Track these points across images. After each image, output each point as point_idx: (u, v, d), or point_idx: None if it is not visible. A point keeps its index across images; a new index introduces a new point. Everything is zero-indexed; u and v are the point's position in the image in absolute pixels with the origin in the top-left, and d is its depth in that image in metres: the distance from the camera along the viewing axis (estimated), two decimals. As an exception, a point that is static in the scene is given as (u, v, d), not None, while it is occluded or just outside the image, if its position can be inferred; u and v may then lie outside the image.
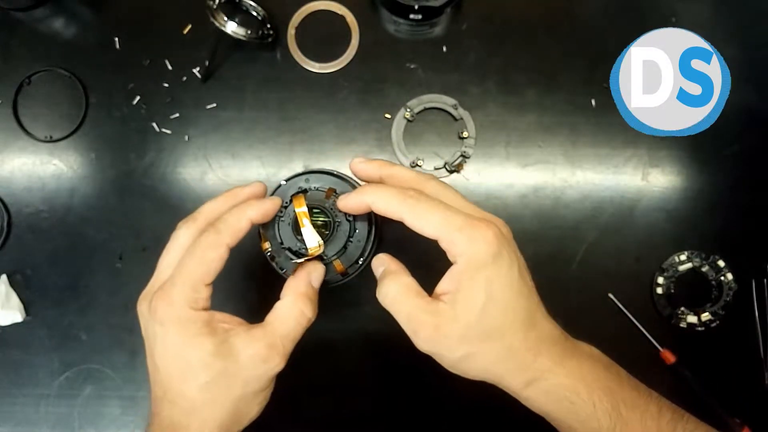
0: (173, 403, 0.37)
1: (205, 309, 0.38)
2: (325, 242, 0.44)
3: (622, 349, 0.54)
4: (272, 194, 0.46)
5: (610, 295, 0.54)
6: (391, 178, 0.41)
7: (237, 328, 0.38)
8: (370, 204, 0.39)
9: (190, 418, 0.37)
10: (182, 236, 0.40)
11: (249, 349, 0.37)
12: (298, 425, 0.54)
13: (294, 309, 0.39)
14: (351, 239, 0.46)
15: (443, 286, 0.37)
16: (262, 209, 0.40)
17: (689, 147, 0.56)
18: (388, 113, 0.56)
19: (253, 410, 0.39)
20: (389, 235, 0.55)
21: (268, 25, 0.54)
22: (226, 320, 0.39)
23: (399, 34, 0.57)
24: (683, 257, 0.54)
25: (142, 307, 0.39)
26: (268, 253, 0.45)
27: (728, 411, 0.51)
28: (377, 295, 0.40)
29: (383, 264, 0.41)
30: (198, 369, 0.36)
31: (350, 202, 0.40)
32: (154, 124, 0.56)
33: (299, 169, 0.54)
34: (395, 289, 0.39)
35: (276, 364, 0.38)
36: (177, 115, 0.56)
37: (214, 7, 0.51)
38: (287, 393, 0.54)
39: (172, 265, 0.39)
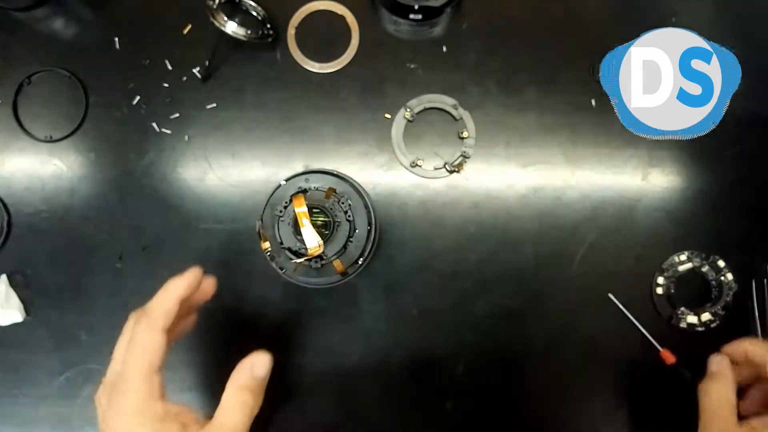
0: None
1: (162, 397, 0.38)
2: (325, 242, 0.44)
3: (622, 349, 0.54)
4: (272, 194, 0.46)
5: (610, 295, 0.54)
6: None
7: (193, 425, 0.38)
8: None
9: None
10: (129, 327, 0.41)
11: None
12: (297, 426, 0.54)
13: (235, 400, 0.39)
14: (351, 239, 0.46)
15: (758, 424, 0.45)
16: (185, 283, 0.41)
17: (689, 147, 0.56)
18: (388, 113, 0.56)
19: None
20: (389, 236, 0.55)
21: (268, 25, 0.54)
22: (183, 412, 0.39)
23: (399, 34, 0.57)
24: (683, 257, 0.54)
25: (102, 399, 0.40)
26: (268, 253, 0.45)
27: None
28: (703, 382, 0.47)
29: (724, 368, 0.47)
30: None
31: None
32: (154, 124, 0.56)
33: (299, 169, 0.54)
34: (722, 394, 0.45)
35: None
36: (177, 115, 0.56)
37: (214, 7, 0.51)
38: (287, 392, 0.54)
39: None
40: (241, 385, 0.40)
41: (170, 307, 0.40)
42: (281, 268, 0.45)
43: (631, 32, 0.55)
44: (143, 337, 0.39)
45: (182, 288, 0.40)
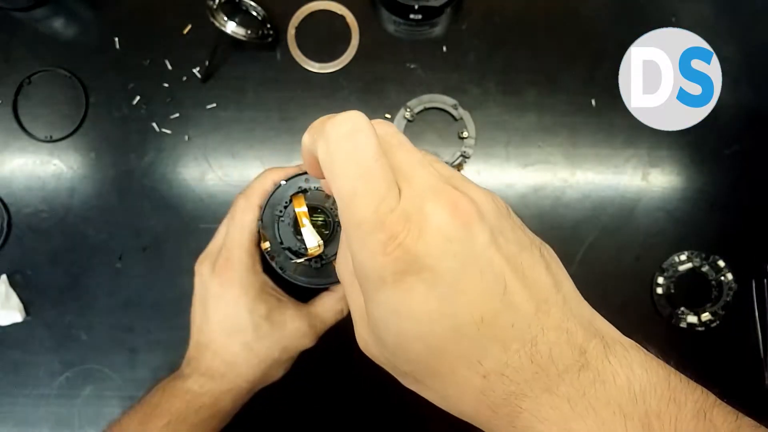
0: (216, 353, 0.43)
1: (260, 272, 0.44)
2: (324, 242, 0.44)
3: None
4: (272, 194, 0.46)
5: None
6: None
7: (288, 302, 0.45)
8: None
9: (228, 368, 0.42)
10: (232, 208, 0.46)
11: (295, 322, 0.44)
12: (299, 425, 0.54)
13: (338, 305, 0.46)
14: (351, 239, 0.46)
15: None
16: (283, 172, 0.45)
17: (689, 147, 0.56)
18: (388, 113, 0.56)
19: (277, 374, 0.45)
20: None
21: (268, 25, 0.54)
22: (277, 291, 0.45)
23: (399, 34, 0.57)
24: (683, 257, 0.54)
25: (203, 267, 0.44)
26: (268, 253, 0.45)
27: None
28: None
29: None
30: (248, 328, 0.42)
31: None
32: (154, 124, 0.56)
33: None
34: None
35: (310, 341, 0.45)
36: (177, 115, 0.56)
37: (214, 7, 0.51)
38: (288, 393, 0.54)
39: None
40: (342, 298, 0.46)
41: (267, 188, 0.44)
42: (281, 268, 0.45)
43: (631, 32, 0.55)
44: (241, 215, 0.43)
45: (278, 176, 0.44)
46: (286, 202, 0.45)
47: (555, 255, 0.28)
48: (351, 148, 0.23)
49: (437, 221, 0.23)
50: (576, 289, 0.27)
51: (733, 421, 0.23)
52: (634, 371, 0.23)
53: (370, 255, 0.23)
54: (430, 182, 0.24)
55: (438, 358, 0.24)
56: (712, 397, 0.23)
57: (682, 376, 0.24)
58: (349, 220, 0.23)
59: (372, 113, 0.56)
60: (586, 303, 0.27)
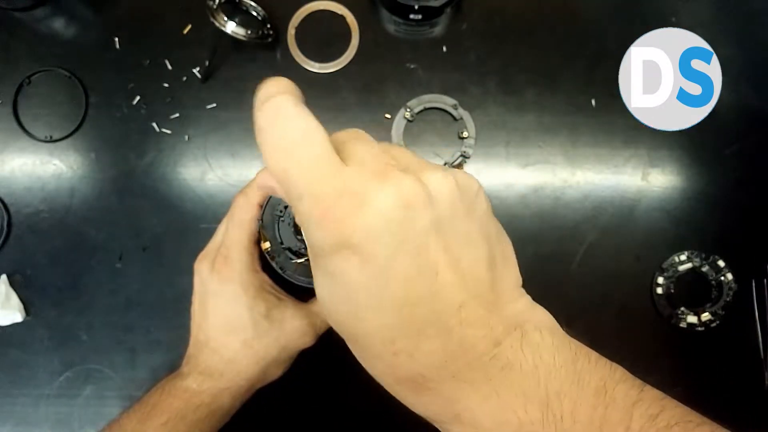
0: (215, 351, 0.43)
1: (259, 270, 0.44)
2: (325, 242, 0.44)
3: (622, 350, 0.54)
4: (271, 195, 0.46)
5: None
6: None
7: (288, 301, 0.45)
8: None
9: (227, 366, 0.42)
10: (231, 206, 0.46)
11: (295, 321, 0.44)
12: (297, 424, 0.54)
13: None
14: (351, 239, 0.46)
15: None
16: None
17: (689, 147, 0.56)
18: (388, 113, 0.56)
19: (276, 373, 0.45)
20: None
21: (268, 25, 0.54)
22: (276, 290, 0.45)
23: (399, 34, 0.57)
24: (683, 257, 0.54)
25: (202, 265, 0.44)
26: (268, 253, 0.45)
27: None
28: None
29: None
30: (247, 326, 0.42)
31: None
32: (154, 124, 0.56)
33: (299, 169, 0.54)
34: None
35: (310, 339, 0.45)
36: (177, 115, 0.56)
37: (214, 7, 0.51)
38: (288, 392, 0.54)
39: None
40: None
41: (266, 184, 0.43)
42: (282, 268, 0.45)
43: (631, 32, 0.55)
44: (241, 213, 0.43)
45: None
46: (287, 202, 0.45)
47: (510, 251, 0.29)
48: (275, 135, 0.25)
49: (379, 201, 0.23)
50: (518, 283, 0.28)
51: (636, 395, 0.24)
52: (542, 357, 0.24)
53: (311, 227, 0.24)
54: (378, 164, 0.24)
55: (358, 326, 0.25)
56: (619, 373, 0.25)
57: (594, 356, 0.25)
58: (291, 198, 0.25)
59: (372, 113, 0.56)
60: (524, 297, 0.28)
